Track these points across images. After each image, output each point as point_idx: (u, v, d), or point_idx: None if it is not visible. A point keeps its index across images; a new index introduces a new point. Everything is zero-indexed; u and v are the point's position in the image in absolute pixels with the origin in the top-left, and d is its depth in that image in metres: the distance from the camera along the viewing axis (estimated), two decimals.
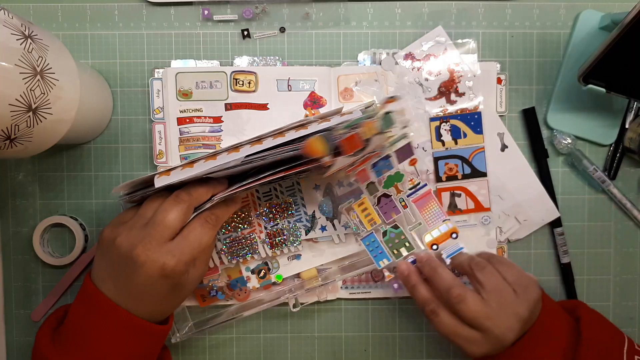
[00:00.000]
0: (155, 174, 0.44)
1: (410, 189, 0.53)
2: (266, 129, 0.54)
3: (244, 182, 0.45)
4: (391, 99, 0.49)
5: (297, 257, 0.55)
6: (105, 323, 0.44)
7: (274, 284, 0.55)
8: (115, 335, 0.44)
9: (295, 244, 0.54)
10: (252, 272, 0.55)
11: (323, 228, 0.55)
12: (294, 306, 0.54)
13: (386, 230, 0.52)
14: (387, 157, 0.52)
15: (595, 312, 0.50)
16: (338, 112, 0.50)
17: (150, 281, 0.43)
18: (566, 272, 0.57)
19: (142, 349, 0.45)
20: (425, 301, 0.48)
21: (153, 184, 0.44)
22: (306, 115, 0.55)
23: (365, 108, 0.50)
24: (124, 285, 0.44)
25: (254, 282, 0.55)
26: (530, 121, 0.57)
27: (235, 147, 0.46)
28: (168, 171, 0.44)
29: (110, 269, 0.45)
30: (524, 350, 0.46)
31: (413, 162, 0.56)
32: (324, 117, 0.49)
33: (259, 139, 0.46)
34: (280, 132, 0.47)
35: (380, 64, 0.56)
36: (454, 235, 0.53)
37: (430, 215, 0.53)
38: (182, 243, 0.43)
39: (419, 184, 0.53)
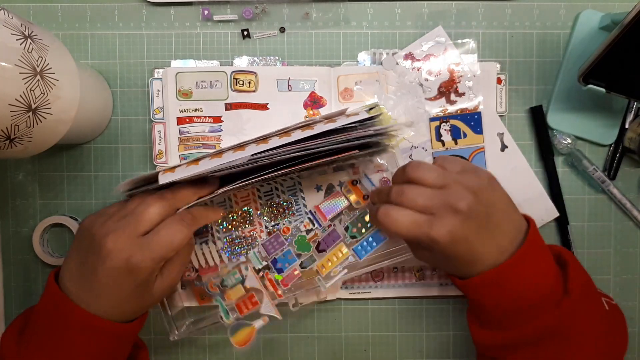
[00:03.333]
0: (159, 171, 0.44)
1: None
2: (266, 129, 0.54)
3: (243, 180, 0.44)
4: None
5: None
6: (66, 323, 0.43)
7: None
8: (76, 336, 0.42)
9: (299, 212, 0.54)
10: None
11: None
12: (293, 306, 0.54)
13: (347, 226, 0.54)
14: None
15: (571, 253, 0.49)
16: (343, 112, 0.50)
17: (114, 273, 0.41)
18: None
19: (106, 349, 0.44)
20: (375, 208, 0.45)
21: (156, 181, 0.43)
22: (306, 116, 0.55)
23: (370, 109, 0.50)
24: (89, 278, 0.42)
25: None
26: (538, 119, 0.57)
27: (241, 146, 0.46)
28: (173, 168, 0.44)
29: (78, 260, 0.44)
30: (525, 255, 0.43)
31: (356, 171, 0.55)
32: (330, 118, 0.49)
33: (264, 138, 0.46)
34: (285, 131, 0.47)
35: (381, 64, 0.56)
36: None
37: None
38: (153, 238, 0.42)
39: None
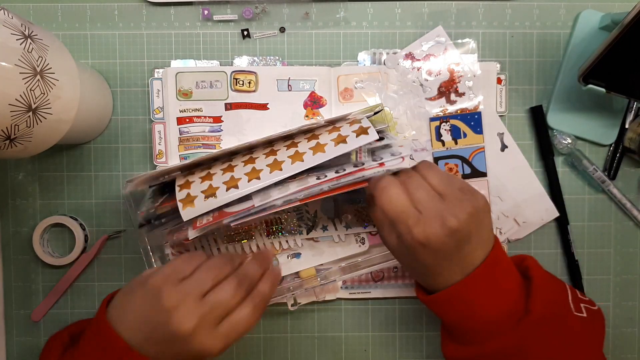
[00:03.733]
0: (164, 169, 0.46)
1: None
2: (266, 129, 0.55)
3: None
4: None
5: (297, 255, 0.55)
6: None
7: None
8: None
9: (293, 234, 0.54)
10: None
11: (324, 227, 0.55)
12: (292, 305, 0.54)
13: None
14: None
15: (541, 267, 0.48)
16: (344, 117, 0.50)
17: (183, 353, 0.41)
18: (577, 269, 0.57)
19: None
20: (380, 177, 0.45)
21: (164, 185, 0.45)
22: (306, 115, 0.55)
23: (374, 114, 0.50)
24: (152, 336, 0.41)
25: None
26: (538, 119, 0.57)
27: (252, 165, 0.47)
28: (192, 200, 0.45)
29: (142, 315, 0.42)
30: (484, 275, 0.43)
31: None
32: (332, 122, 0.49)
33: (269, 142, 0.46)
34: (289, 133, 0.47)
35: (383, 63, 0.56)
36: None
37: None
38: (232, 329, 0.42)
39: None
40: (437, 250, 0.42)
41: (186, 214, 0.44)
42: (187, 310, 0.40)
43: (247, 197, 0.45)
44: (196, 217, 0.45)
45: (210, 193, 0.45)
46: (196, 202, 0.44)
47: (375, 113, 0.51)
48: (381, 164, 0.46)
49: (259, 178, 0.44)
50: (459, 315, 0.44)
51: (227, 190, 0.44)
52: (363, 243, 0.55)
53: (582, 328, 0.45)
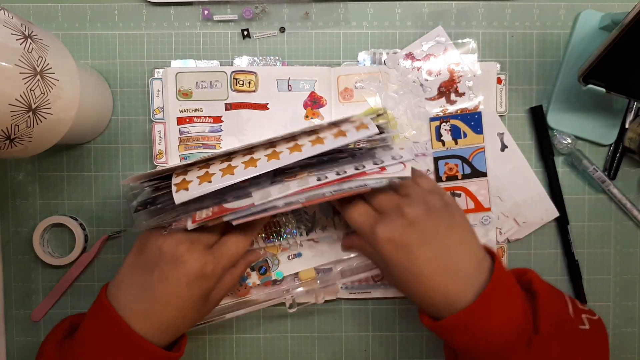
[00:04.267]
0: (164, 168, 0.45)
1: None
2: (266, 129, 0.55)
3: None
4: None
5: (298, 255, 0.55)
6: (119, 346, 0.43)
7: (275, 281, 0.55)
8: (122, 357, 0.43)
9: (294, 235, 0.54)
10: (253, 268, 0.55)
11: (324, 228, 0.55)
12: (291, 307, 0.54)
13: None
14: None
15: (542, 280, 0.48)
16: (348, 119, 0.50)
17: (187, 279, 0.43)
18: (577, 269, 0.57)
19: None
20: None
21: (162, 178, 0.45)
22: (306, 115, 0.55)
23: (377, 116, 0.51)
24: (154, 288, 0.43)
25: (254, 278, 0.55)
26: (538, 119, 0.57)
27: (250, 149, 0.46)
28: (185, 184, 0.44)
29: (142, 272, 0.44)
30: (492, 295, 0.42)
31: None
32: (336, 124, 0.49)
33: (272, 143, 0.46)
34: (292, 136, 0.47)
35: (383, 63, 0.56)
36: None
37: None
38: (221, 249, 0.46)
39: None
40: (404, 245, 0.42)
41: (179, 197, 0.43)
42: (176, 237, 0.45)
43: (246, 194, 0.45)
44: (195, 211, 0.45)
45: (205, 180, 0.44)
46: (190, 186, 0.44)
47: (378, 115, 0.51)
48: (382, 169, 0.45)
49: (255, 166, 0.44)
50: (470, 340, 0.42)
51: (222, 177, 0.44)
52: None
53: (588, 342, 0.44)
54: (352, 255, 0.55)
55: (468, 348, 0.43)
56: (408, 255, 0.43)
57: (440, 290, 0.43)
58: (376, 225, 0.44)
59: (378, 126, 0.47)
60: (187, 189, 0.43)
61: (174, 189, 0.44)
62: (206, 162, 0.47)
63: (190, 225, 0.44)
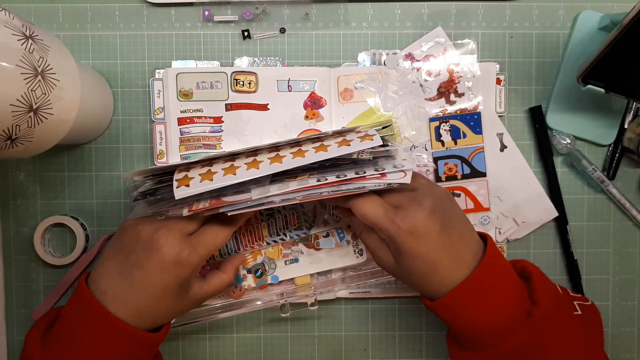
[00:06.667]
0: (168, 164, 0.45)
1: None
2: (266, 129, 0.55)
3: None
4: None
5: (295, 260, 0.55)
6: (96, 329, 0.43)
7: (270, 284, 0.55)
8: (105, 342, 0.43)
9: (297, 233, 0.54)
10: (249, 271, 0.55)
11: (325, 222, 0.55)
12: (283, 312, 0.54)
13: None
14: None
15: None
16: (354, 129, 0.50)
17: (162, 266, 0.43)
18: (576, 269, 0.58)
19: (130, 356, 0.45)
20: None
21: (165, 173, 0.45)
22: (306, 116, 0.55)
23: (382, 128, 0.51)
24: (130, 274, 0.43)
25: (249, 281, 0.55)
26: (537, 119, 0.57)
27: (254, 152, 0.46)
28: (187, 180, 0.44)
29: (120, 257, 0.45)
30: (487, 270, 0.44)
31: None
32: (341, 134, 0.49)
33: (275, 147, 0.47)
34: (297, 142, 0.47)
35: (383, 63, 0.56)
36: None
37: None
38: (199, 238, 0.45)
39: None
40: (426, 234, 0.43)
41: (179, 192, 0.43)
42: (154, 223, 0.45)
43: (245, 190, 0.45)
44: (193, 202, 0.45)
45: (207, 177, 0.45)
46: (192, 182, 0.44)
47: (384, 127, 0.51)
48: (382, 175, 0.46)
49: (258, 168, 0.44)
50: (470, 317, 0.43)
51: (224, 176, 0.44)
52: (361, 254, 0.55)
53: (585, 316, 0.46)
54: (348, 264, 0.55)
55: (471, 325, 0.43)
56: (428, 245, 0.43)
57: (454, 277, 0.44)
58: (396, 216, 0.43)
59: (382, 138, 0.47)
60: (188, 185, 0.44)
61: (175, 184, 0.44)
62: (209, 161, 0.48)
63: (185, 212, 0.44)
